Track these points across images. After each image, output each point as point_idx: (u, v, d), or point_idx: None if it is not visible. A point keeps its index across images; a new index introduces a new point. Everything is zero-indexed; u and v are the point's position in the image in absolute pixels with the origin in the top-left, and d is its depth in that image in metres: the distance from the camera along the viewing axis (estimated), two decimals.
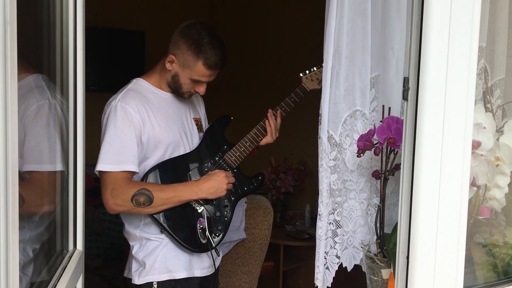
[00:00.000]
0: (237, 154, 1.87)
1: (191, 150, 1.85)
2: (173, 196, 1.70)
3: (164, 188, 1.71)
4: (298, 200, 4.05)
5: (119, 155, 1.66)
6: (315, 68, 1.92)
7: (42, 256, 1.37)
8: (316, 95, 1.89)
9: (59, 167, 1.42)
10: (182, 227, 1.77)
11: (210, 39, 1.71)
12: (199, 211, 1.78)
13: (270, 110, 1.92)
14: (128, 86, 1.79)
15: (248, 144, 1.88)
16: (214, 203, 1.82)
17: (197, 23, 1.74)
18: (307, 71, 1.92)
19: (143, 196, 1.65)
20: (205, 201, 1.80)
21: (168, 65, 1.75)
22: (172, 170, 1.78)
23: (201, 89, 1.80)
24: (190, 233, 1.77)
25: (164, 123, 1.77)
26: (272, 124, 1.90)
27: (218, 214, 1.82)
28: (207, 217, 1.79)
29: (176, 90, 1.80)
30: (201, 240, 1.76)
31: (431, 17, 0.95)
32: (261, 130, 1.90)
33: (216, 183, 1.75)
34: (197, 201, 1.78)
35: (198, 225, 1.77)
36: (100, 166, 1.65)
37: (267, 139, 1.92)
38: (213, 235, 1.79)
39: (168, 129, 1.78)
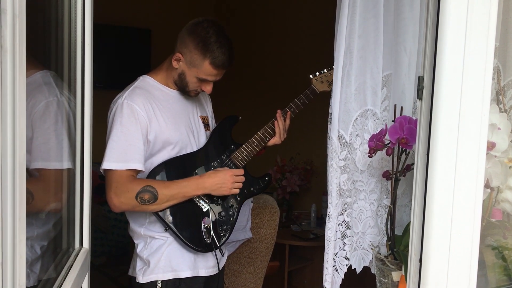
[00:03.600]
0: (244, 154, 1.85)
1: (198, 148, 1.84)
2: (177, 192, 1.69)
3: (169, 185, 1.70)
4: (304, 199, 4.03)
5: (125, 153, 1.65)
6: (325, 70, 1.90)
7: (49, 254, 1.36)
8: (323, 94, 1.87)
9: (67, 164, 1.40)
10: (186, 225, 1.75)
11: (217, 38, 1.69)
12: (204, 210, 1.77)
13: (279, 111, 1.90)
14: (134, 84, 1.77)
15: (255, 144, 1.87)
16: (220, 202, 1.81)
17: (204, 22, 1.72)
18: (317, 73, 1.89)
19: (148, 193, 1.64)
20: (211, 200, 1.78)
21: (175, 63, 1.74)
22: (178, 168, 1.77)
23: (208, 88, 1.78)
24: (195, 232, 1.76)
25: (170, 121, 1.75)
26: (281, 125, 1.88)
27: (223, 214, 1.81)
28: (212, 217, 1.77)
29: (182, 88, 1.79)
30: (206, 239, 1.75)
31: (447, 15, 0.93)
32: (269, 131, 1.89)
33: (220, 180, 1.73)
34: (202, 199, 1.76)
35: (203, 224, 1.76)
36: (106, 165, 1.64)
37: (275, 140, 1.90)
38: (218, 235, 1.78)
39: (174, 127, 1.76)
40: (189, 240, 1.74)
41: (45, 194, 1.39)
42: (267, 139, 1.88)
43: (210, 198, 1.78)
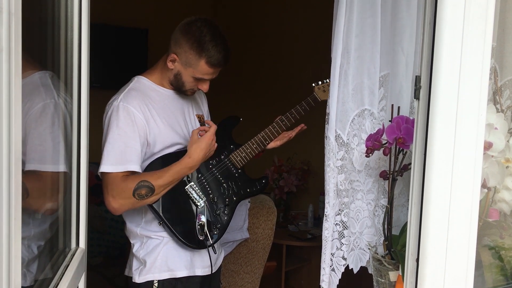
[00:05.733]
0: (243, 155, 1.85)
1: None
2: (172, 180, 1.69)
3: (162, 175, 1.68)
4: (301, 200, 4.03)
5: (122, 155, 1.64)
6: (328, 80, 1.89)
7: (46, 254, 1.35)
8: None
9: (62, 167, 1.39)
10: (181, 221, 1.75)
11: (212, 37, 1.68)
12: (200, 207, 1.77)
13: (302, 125, 1.93)
14: (129, 85, 1.76)
15: (255, 146, 1.87)
16: (216, 200, 1.81)
17: (198, 20, 1.72)
18: (320, 82, 1.90)
19: (144, 188, 1.63)
20: (207, 198, 1.78)
21: (170, 64, 1.73)
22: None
23: (204, 87, 1.78)
24: (188, 228, 1.75)
25: (167, 121, 1.75)
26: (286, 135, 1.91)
27: (218, 212, 1.81)
28: (207, 214, 1.77)
29: (178, 88, 1.78)
30: (199, 236, 1.75)
31: (444, 14, 0.93)
32: (269, 134, 1.89)
33: (207, 148, 1.70)
34: (199, 195, 1.76)
35: (197, 221, 1.76)
36: (104, 168, 1.63)
37: (275, 144, 1.92)
38: (212, 232, 1.78)
39: (171, 127, 1.76)
40: (182, 236, 1.74)
41: (39, 195, 1.37)
42: (267, 142, 1.88)
43: (207, 196, 1.78)
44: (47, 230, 1.40)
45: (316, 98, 1.90)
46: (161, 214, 1.72)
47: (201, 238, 1.75)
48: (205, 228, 1.75)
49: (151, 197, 1.66)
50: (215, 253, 1.85)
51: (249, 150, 1.86)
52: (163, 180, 1.67)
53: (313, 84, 1.91)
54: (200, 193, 1.78)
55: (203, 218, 1.76)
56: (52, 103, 1.38)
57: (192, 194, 1.77)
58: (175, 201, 1.73)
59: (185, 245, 1.75)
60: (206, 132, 1.72)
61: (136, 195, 1.63)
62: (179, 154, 1.77)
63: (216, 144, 1.75)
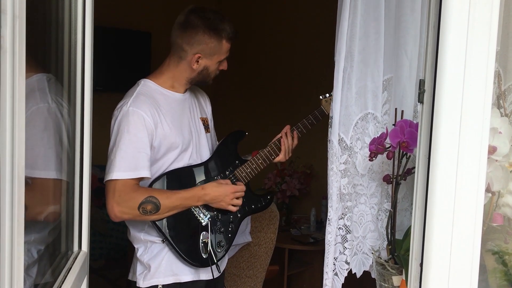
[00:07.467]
0: (248, 170, 1.84)
1: (195, 150, 1.82)
2: (179, 204, 1.69)
3: (171, 195, 1.68)
4: (304, 203, 4.02)
5: (135, 161, 1.63)
6: None
7: (48, 257, 1.35)
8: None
9: (53, 174, 1.36)
10: (184, 238, 1.74)
11: (217, 16, 1.74)
12: (203, 224, 1.75)
13: (287, 127, 1.88)
14: (137, 89, 1.75)
15: (260, 161, 1.85)
16: (220, 218, 1.79)
17: (191, 13, 1.75)
18: (327, 94, 1.85)
19: (151, 204, 1.62)
20: (211, 215, 1.77)
21: (195, 66, 1.74)
22: (181, 181, 1.75)
23: (225, 65, 1.82)
24: (192, 246, 1.74)
25: (174, 125, 1.74)
26: (286, 144, 1.86)
27: (222, 229, 1.79)
28: (211, 232, 1.76)
29: (203, 81, 1.81)
30: (202, 254, 1.73)
31: (449, 17, 0.93)
32: (275, 149, 1.86)
33: (221, 194, 1.73)
34: (203, 213, 1.76)
35: (201, 238, 1.74)
36: (116, 174, 1.61)
37: (279, 158, 1.88)
38: (216, 250, 1.76)
39: (177, 131, 1.75)
40: (185, 254, 1.72)
41: (37, 200, 1.36)
42: (273, 157, 1.86)
43: (211, 213, 1.77)
44: (49, 234, 1.39)
45: (323, 111, 1.86)
46: (164, 231, 1.71)
47: (204, 256, 1.74)
48: (209, 246, 1.74)
49: (154, 215, 1.65)
50: (219, 272, 1.82)
51: (254, 166, 1.84)
52: (170, 201, 1.67)
53: (320, 97, 1.87)
54: (204, 210, 1.77)
55: (207, 236, 1.75)
56: (45, 107, 1.35)
57: (196, 211, 1.76)
58: (178, 218, 1.71)
59: (188, 263, 1.74)
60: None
61: (141, 208, 1.62)
62: (188, 170, 1.77)
63: (234, 208, 1.77)
